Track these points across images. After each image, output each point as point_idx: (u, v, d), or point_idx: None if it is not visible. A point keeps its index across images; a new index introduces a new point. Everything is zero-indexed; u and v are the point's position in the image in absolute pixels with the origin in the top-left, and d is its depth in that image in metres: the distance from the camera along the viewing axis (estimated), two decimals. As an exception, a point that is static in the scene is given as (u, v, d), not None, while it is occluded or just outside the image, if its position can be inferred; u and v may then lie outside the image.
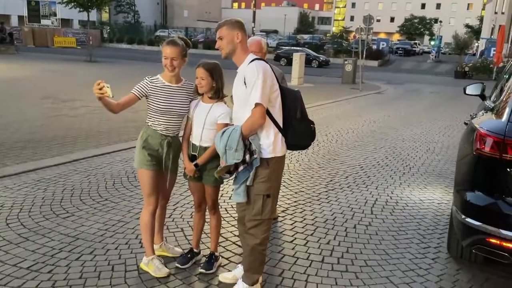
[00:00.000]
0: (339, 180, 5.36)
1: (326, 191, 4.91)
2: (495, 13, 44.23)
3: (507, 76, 3.62)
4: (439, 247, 3.59)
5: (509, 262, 2.60)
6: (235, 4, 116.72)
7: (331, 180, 5.33)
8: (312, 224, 3.96)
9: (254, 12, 10.85)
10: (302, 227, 3.89)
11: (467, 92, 4.94)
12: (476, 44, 51.09)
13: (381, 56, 35.17)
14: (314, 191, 4.91)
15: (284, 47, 34.13)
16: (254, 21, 10.55)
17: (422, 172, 5.91)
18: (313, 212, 4.25)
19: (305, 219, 4.08)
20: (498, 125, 2.71)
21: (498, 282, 3.11)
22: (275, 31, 63.66)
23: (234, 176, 2.58)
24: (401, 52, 46.42)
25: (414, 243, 3.66)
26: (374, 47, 38.74)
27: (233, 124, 2.65)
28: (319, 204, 4.49)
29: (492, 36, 40.20)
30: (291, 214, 4.19)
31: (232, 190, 2.64)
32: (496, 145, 2.63)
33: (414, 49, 50.68)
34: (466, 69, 25.37)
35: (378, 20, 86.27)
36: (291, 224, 3.96)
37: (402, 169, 6.02)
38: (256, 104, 2.42)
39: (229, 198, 3.23)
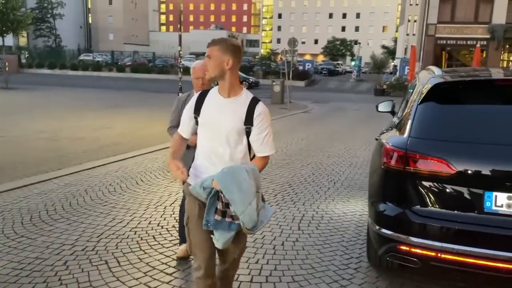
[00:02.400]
0: (268, 198, 5.46)
1: (255, 211, 4.98)
2: (407, 34, 48.21)
3: (411, 91, 3.96)
4: (360, 257, 3.78)
5: (419, 267, 2.80)
6: (163, 27, 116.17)
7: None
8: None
9: (180, 36, 10.93)
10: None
11: (379, 110, 5.33)
12: (392, 63, 55.15)
13: (307, 76, 36.75)
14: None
15: (213, 70, 34.36)
16: (180, 44, 10.61)
17: (345, 186, 6.22)
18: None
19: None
20: (401, 140, 2.96)
21: (413, 286, 3.34)
22: (205, 54, 63.93)
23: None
24: (325, 72, 48.88)
25: (338, 255, 3.83)
26: (301, 68, 40.42)
27: None
28: (248, 224, 4.54)
29: (405, 56, 43.66)
30: (220, 237, 4.19)
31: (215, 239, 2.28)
32: (400, 159, 2.87)
33: (337, 69, 53.62)
34: (384, 87, 27.29)
35: (303, 42, 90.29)
36: (221, 247, 3.96)
37: (327, 184, 6.28)
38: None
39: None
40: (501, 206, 2.60)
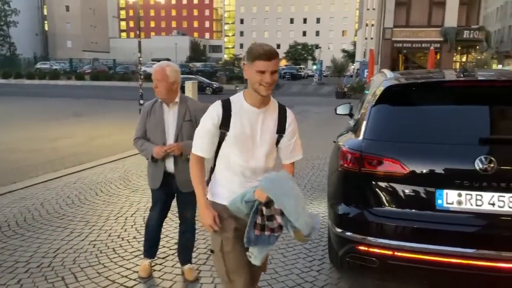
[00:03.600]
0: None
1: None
2: (365, 38, 49.60)
3: (367, 92, 4.06)
4: (323, 259, 3.83)
5: (377, 266, 2.86)
6: (124, 34, 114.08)
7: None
8: (205, 253, 3.95)
9: (140, 42, 10.75)
10: (195, 257, 3.85)
11: (337, 112, 5.44)
12: (352, 66, 56.60)
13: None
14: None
15: (176, 76, 34.07)
16: (140, 51, 10.42)
17: (308, 188, 6.29)
18: (206, 240, 4.24)
19: (198, 248, 4.05)
20: (356, 142, 3.03)
21: (374, 285, 3.41)
22: (168, 60, 63.12)
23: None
24: (288, 76, 49.45)
25: (301, 258, 3.86)
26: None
27: None
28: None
29: (364, 59, 44.89)
30: (183, 245, 4.13)
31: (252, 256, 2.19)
32: (355, 161, 2.93)
33: (300, 73, 54.39)
34: (345, 89, 27.91)
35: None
36: (183, 256, 3.90)
37: (291, 187, 6.32)
38: None
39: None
40: (452, 203, 2.70)
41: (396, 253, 2.77)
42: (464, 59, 32.22)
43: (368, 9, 51.12)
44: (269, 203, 2.03)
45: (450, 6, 28.03)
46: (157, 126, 3.22)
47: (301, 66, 62.96)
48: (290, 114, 2.28)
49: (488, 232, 2.71)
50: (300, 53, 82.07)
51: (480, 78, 3.60)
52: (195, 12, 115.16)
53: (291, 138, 2.28)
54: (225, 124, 2.15)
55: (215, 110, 2.18)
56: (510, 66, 43.33)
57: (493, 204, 2.64)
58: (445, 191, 2.71)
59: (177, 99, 3.24)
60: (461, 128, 2.83)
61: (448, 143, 2.79)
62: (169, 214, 3.62)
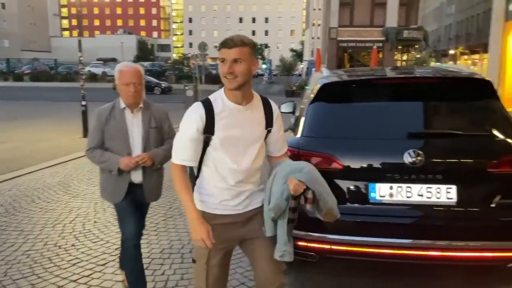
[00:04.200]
0: (178, 206, 5.35)
1: (164, 220, 4.85)
2: (313, 38, 50.71)
3: (308, 87, 4.13)
4: (267, 256, 3.85)
5: (317, 261, 2.92)
6: (66, 33, 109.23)
7: (170, 207, 5.29)
8: (148, 257, 3.85)
9: (80, 41, 10.22)
10: (148, 263, 3.75)
11: (282, 111, 5.50)
12: (301, 65, 57.66)
13: (220, 80, 36.77)
14: (151, 221, 4.79)
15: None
16: (80, 50, 9.89)
17: (255, 187, 6.30)
18: (150, 244, 4.14)
19: (151, 253, 3.94)
20: (295, 140, 3.07)
21: (317, 280, 3.48)
22: (114, 59, 61.43)
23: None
24: (238, 75, 49.37)
25: (245, 257, 3.84)
26: (214, 72, 40.48)
27: None
28: (156, 235, 4.40)
29: (312, 58, 45.89)
30: (125, 250, 4.01)
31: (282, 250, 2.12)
32: (294, 158, 2.96)
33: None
34: (294, 88, 28.39)
35: (216, 47, 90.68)
36: (125, 261, 3.78)
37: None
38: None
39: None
40: (384, 196, 2.81)
41: (334, 247, 2.84)
42: (405, 57, 33.79)
43: (314, 9, 52.32)
44: (297, 196, 2.01)
45: (390, 6, 29.24)
46: (119, 134, 2.84)
47: (251, 65, 63.09)
48: (274, 106, 2.16)
49: (418, 222, 2.85)
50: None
51: (407, 75, 3.76)
52: (142, 11, 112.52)
53: (279, 131, 2.19)
54: (209, 127, 1.96)
55: (197, 113, 1.98)
56: (447, 64, 45.95)
57: (422, 195, 2.77)
58: (377, 184, 2.81)
59: (141, 104, 2.90)
60: (391, 123, 2.95)
61: (380, 138, 2.90)
62: (110, 219, 3.48)
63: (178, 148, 2.05)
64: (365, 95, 3.18)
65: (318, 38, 46.27)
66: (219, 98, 2.04)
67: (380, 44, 29.05)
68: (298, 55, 61.96)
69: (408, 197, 2.78)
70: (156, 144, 2.91)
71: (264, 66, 54.43)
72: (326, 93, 3.20)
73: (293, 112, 5.21)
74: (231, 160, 2.02)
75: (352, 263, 3.05)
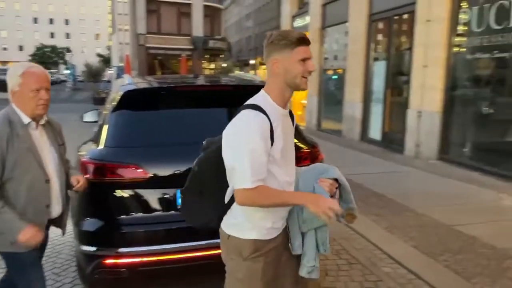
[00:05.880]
0: None
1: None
2: (120, 43, 48.95)
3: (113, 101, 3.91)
4: (74, 281, 3.49)
5: (129, 276, 2.78)
6: None
7: None
8: None
9: None
10: None
11: (84, 120, 5.06)
12: (110, 71, 55.04)
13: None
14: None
15: None
16: None
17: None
18: None
19: None
20: (97, 151, 2.87)
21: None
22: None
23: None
24: (36, 82, 44.09)
25: (49, 285, 3.42)
26: (4, 77, 35.10)
27: None
28: None
29: (122, 64, 44.28)
30: None
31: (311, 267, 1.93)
32: (97, 171, 2.76)
33: (51, 78, 49.25)
34: (103, 95, 26.82)
35: (5, 49, 79.15)
36: None
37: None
38: None
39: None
40: None
41: (146, 259, 2.76)
42: (212, 66, 35.71)
43: (120, 14, 50.56)
44: None
45: (196, 17, 30.51)
46: (28, 159, 2.16)
47: (51, 71, 57.20)
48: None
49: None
50: (50, 56, 74.59)
51: (207, 83, 3.95)
52: None
53: None
54: (271, 135, 1.71)
55: (261, 120, 1.69)
56: (250, 73, 50.45)
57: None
58: None
59: (46, 117, 2.34)
60: (196, 129, 3.02)
61: (185, 144, 2.94)
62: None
63: (253, 167, 1.68)
64: (167, 102, 3.19)
65: (127, 43, 44.91)
66: (265, 102, 1.76)
67: (189, 53, 30.01)
68: (106, 60, 58.95)
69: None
70: (63, 164, 2.40)
71: (66, 71, 49.92)
72: (128, 100, 3.09)
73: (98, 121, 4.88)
74: (285, 173, 1.84)
75: (167, 272, 3.02)
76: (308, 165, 3.15)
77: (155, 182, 2.80)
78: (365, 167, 7.26)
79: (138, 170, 2.77)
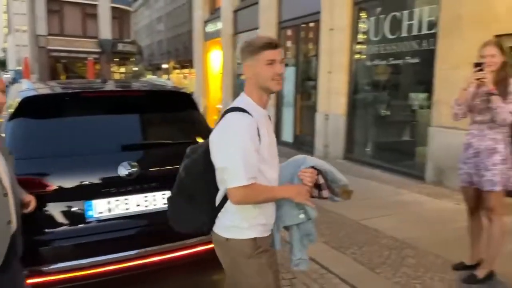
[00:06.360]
0: None
1: None
2: (17, 45, 44.99)
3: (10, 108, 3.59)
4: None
5: None
6: None
7: None
8: None
9: None
10: None
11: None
12: (6, 75, 50.32)
13: None
14: None
15: None
16: None
17: None
18: None
19: None
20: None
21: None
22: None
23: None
24: None
25: None
26: None
27: None
28: None
29: (19, 67, 40.73)
30: None
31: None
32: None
33: None
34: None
35: None
36: None
37: None
38: None
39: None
40: (102, 212, 2.74)
41: (62, 276, 2.58)
42: (122, 70, 34.33)
43: (16, 14, 46.52)
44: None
45: (103, 19, 29.14)
46: None
47: None
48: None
49: (141, 232, 2.90)
50: None
51: (114, 88, 3.81)
52: None
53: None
54: (259, 135, 1.82)
55: (248, 121, 1.79)
56: (163, 78, 49.41)
57: (140, 205, 2.84)
58: (94, 201, 2.71)
59: None
60: (104, 137, 2.90)
61: (92, 153, 2.80)
62: None
63: (246, 165, 1.77)
64: (72, 109, 3.00)
65: (25, 45, 41.44)
66: (247, 104, 1.87)
67: (97, 56, 28.57)
68: (1, 63, 53.76)
69: (127, 209, 2.80)
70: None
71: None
72: (28, 108, 2.86)
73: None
74: (272, 170, 1.94)
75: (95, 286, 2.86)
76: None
77: (62, 195, 2.64)
78: (279, 169, 7.49)
79: (43, 183, 2.58)
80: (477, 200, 3.28)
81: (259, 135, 1.81)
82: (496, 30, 5.15)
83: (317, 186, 2.02)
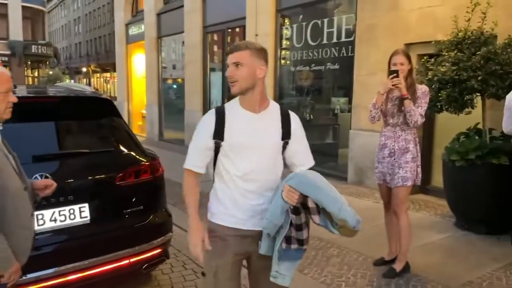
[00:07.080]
0: None
1: None
2: None
3: None
4: None
5: None
6: None
7: None
8: None
9: None
10: None
11: None
12: None
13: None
14: None
15: None
16: None
17: None
18: None
19: None
20: None
21: None
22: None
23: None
24: None
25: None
26: None
27: None
28: None
29: None
30: None
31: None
32: None
33: None
34: None
35: None
36: None
37: None
38: None
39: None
40: (44, 223, 2.59)
41: None
42: (36, 73, 32.06)
43: None
44: (298, 209, 1.83)
45: (13, 19, 27.03)
46: (7, 164, 1.91)
47: None
48: (294, 118, 2.07)
49: (57, 249, 2.71)
50: None
51: (28, 94, 3.52)
52: None
53: (299, 143, 2.06)
54: (219, 133, 1.94)
55: (208, 119, 1.98)
56: (82, 82, 46.88)
57: (55, 220, 2.64)
58: (41, 212, 2.51)
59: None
60: (13, 147, 2.65)
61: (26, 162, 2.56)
62: None
63: (191, 154, 2.02)
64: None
65: None
66: (234, 104, 2.01)
67: (6, 59, 26.42)
68: None
69: (40, 225, 2.59)
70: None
71: None
72: None
73: None
74: (240, 168, 1.96)
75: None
76: (148, 178, 3.11)
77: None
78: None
79: None
80: (390, 196, 3.52)
81: (218, 131, 1.93)
82: (407, 39, 5.57)
83: (306, 207, 1.83)
